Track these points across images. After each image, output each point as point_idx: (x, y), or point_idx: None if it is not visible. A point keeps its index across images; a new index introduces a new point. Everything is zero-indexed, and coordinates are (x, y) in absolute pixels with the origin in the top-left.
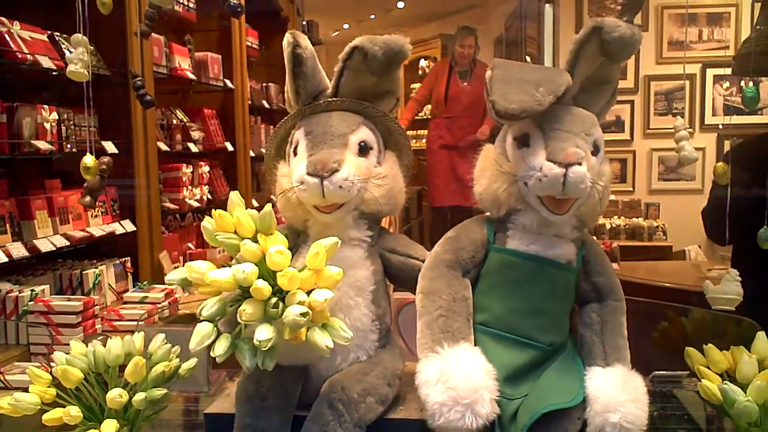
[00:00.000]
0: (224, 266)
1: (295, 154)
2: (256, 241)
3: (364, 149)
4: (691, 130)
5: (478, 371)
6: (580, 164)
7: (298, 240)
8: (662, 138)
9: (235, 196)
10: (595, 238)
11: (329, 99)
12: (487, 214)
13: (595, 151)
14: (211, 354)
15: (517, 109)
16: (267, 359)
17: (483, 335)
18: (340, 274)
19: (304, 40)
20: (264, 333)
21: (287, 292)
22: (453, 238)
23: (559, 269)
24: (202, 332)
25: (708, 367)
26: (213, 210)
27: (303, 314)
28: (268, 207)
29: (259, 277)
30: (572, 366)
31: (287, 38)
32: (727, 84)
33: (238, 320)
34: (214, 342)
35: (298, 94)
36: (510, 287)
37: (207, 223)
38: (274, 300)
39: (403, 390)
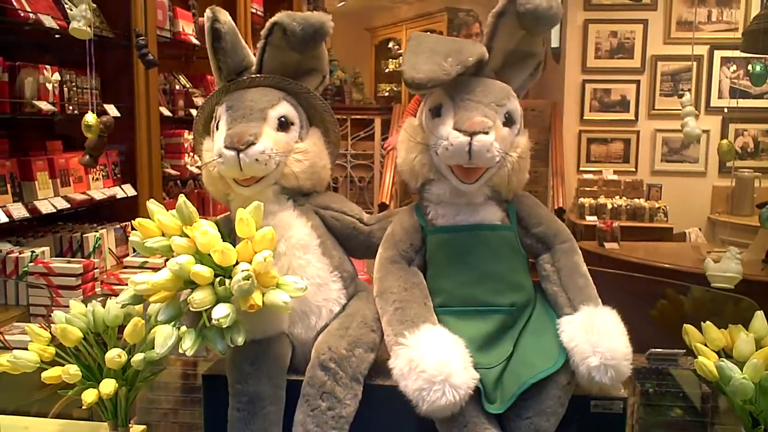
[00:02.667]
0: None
1: (217, 128)
2: (186, 235)
3: (284, 124)
4: (696, 113)
5: (444, 346)
6: (486, 133)
7: (233, 225)
8: (667, 119)
9: (152, 205)
10: (596, 217)
11: (252, 75)
12: (415, 203)
13: (508, 122)
14: (180, 351)
15: (423, 79)
16: (234, 335)
17: (445, 316)
18: (271, 232)
19: (224, 15)
20: (221, 310)
21: (231, 268)
22: (389, 234)
23: (492, 230)
24: (163, 335)
25: (705, 345)
26: (132, 222)
27: (246, 278)
28: (181, 199)
29: (198, 264)
30: (547, 323)
31: (207, 13)
32: (734, 67)
33: (191, 309)
34: (177, 341)
35: (219, 69)
36: (454, 262)
37: (134, 237)
38: (218, 279)
39: None
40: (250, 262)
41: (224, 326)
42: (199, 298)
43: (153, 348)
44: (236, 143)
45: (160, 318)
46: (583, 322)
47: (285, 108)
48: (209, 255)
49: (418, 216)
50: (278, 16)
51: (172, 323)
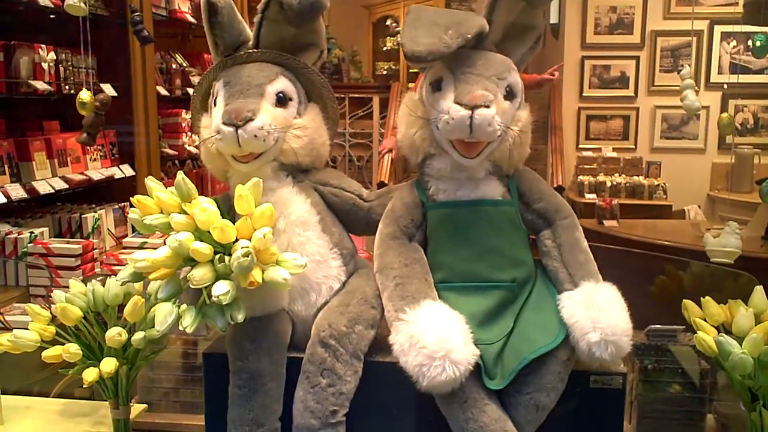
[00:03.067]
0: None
1: (215, 105)
2: (185, 212)
3: (282, 100)
4: (696, 88)
5: (444, 322)
6: (487, 107)
7: (230, 202)
8: (667, 95)
9: (150, 182)
10: (595, 195)
11: (250, 51)
12: (416, 179)
13: (509, 96)
14: (180, 328)
15: (423, 51)
16: (234, 312)
17: (445, 291)
18: (270, 208)
19: None
20: (221, 287)
21: (230, 245)
22: (390, 210)
23: (494, 206)
24: (163, 312)
25: (705, 320)
26: (131, 199)
27: (245, 255)
28: (179, 175)
29: (197, 242)
30: (548, 298)
31: None
32: (734, 42)
33: (191, 286)
34: (177, 318)
35: (216, 45)
36: (455, 238)
37: (133, 214)
38: (218, 257)
39: None
40: (250, 239)
41: (224, 303)
42: (199, 275)
43: (153, 327)
44: (234, 119)
45: (160, 295)
46: (583, 298)
47: (283, 83)
48: (208, 232)
49: (418, 191)
50: None
51: (172, 300)
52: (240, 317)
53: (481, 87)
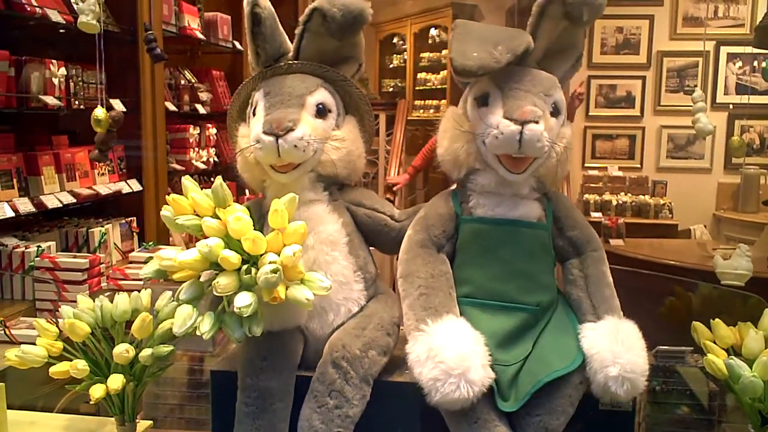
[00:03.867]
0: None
1: (254, 114)
2: (217, 217)
3: (321, 111)
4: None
5: (465, 340)
6: (536, 122)
7: (262, 211)
8: (673, 115)
9: (187, 181)
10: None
11: (290, 61)
12: (453, 187)
13: (555, 113)
14: (197, 333)
15: (474, 66)
16: (252, 325)
17: (469, 307)
18: (303, 226)
19: (264, 1)
20: (244, 299)
21: (258, 257)
22: (422, 217)
23: (529, 228)
24: (183, 315)
25: (714, 342)
26: (167, 197)
27: (273, 271)
28: (218, 181)
29: (226, 249)
30: (567, 325)
31: None
32: (740, 63)
33: (215, 294)
34: (197, 323)
35: (257, 55)
36: (486, 254)
37: (165, 211)
38: (245, 267)
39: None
40: (278, 254)
41: (245, 315)
42: (224, 283)
43: (161, 343)
44: (275, 129)
45: (183, 297)
46: (607, 332)
47: (323, 95)
48: (239, 241)
49: (454, 203)
50: (318, 2)
51: (193, 304)
52: (258, 331)
53: (530, 103)
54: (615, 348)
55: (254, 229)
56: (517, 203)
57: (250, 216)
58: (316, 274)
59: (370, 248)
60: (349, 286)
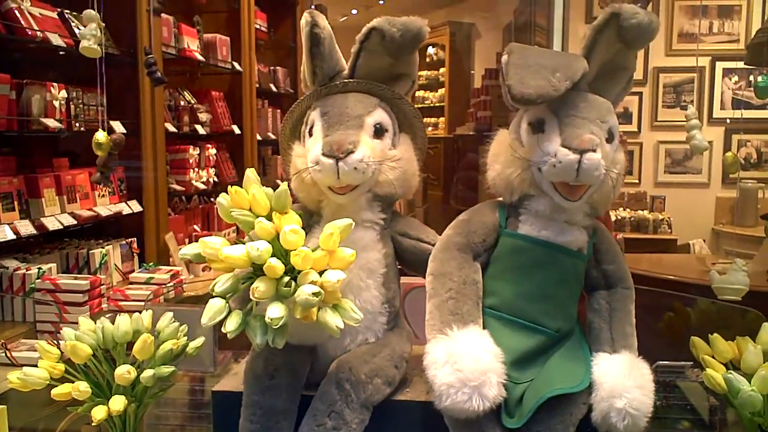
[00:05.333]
0: (238, 243)
1: (311, 134)
2: (271, 220)
3: (379, 131)
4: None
5: (487, 354)
6: (594, 151)
7: (311, 221)
8: (670, 130)
9: (251, 173)
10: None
11: (345, 80)
12: (500, 198)
13: (610, 139)
14: (223, 329)
15: (533, 94)
16: (277, 337)
17: (491, 319)
18: (353, 255)
19: (323, 20)
20: (276, 311)
21: (300, 271)
22: (465, 221)
23: (569, 256)
24: (214, 308)
25: (713, 357)
26: (229, 186)
27: (315, 294)
28: (284, 186)
29: (272, 256)
30: (579, 352)
31: (305, 17)
32: (736, 78)
33: (251, 297)
34: (225, 318)
35: (315, 74)
36: (520, 272)
37: (222, 199)
38: (286, 279)
39: (410, 372)
40: (320, 273)
41: (274, 327)
42: (263, 289)
43: (162, 364)
44: (335, 151)
45: (218, 290)
46: (621, 365)
47: (381, 115)
48: (285, 250)
49: (500, 214)
50: (377, 21)
51: (226, 299)
52: (281, 343)
53: (587, 131)
54: (626, 382)
55: None
56: (564, 230)
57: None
58: (350, 302)
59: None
60: (374, 317)
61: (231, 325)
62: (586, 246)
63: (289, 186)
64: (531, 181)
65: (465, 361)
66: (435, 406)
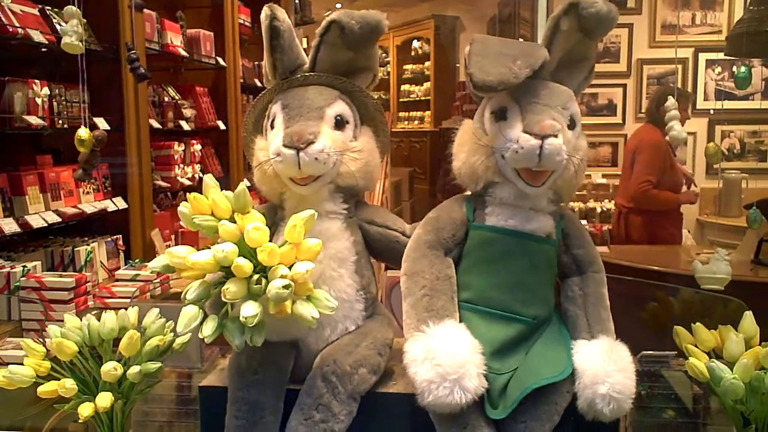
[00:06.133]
0: (204, 248)
1: (272, 127)
2: (234, 221)
3: (340, 123)
4: (688, 117)
5: (464, 347)
6: (556, 136)
7: (276, 218)
8: None
9: (209, 179)
10: (585, 221)
11: (306, 73)
12: (467, 192)
13: (572, 125)
14: (199, 336)
15: (494, 81)
16: (255, 335)
17: (468, 312)
18: (319, 245)
19: (282, 14)
20: (250, 309)
21: (269, 267)
22: (433, 218)
23: (538, 242)
24: (188, 315)
25: (696, 346)
26: (188, 194)
27: (285, 287)
28: (241, 185)
29: (239, 256)
30: (559, 339)
31: (264, 11)
32: (719, 69)
33: (223, 300)
34: (201, 324)
35: (275, 67)
36: (491, 263)
37: (183, 207)
38: (256, 277)
39: (397, 365)
40: (289, 267)
41: (250, 325)
42: (234, 290)
43: (148, 360)
44: (296, 142)
45: (189, 297)
46: (601, 350)
47: (341, 107)
48: (252, 249)
49: (467, 208)
50: (336, 15)
51: (199, 305)
52: (260, 341)
53: (549, 117)
54: (607, 367)
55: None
56: (530, 217)
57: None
58: (323, 292)
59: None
60: (351, 305)
61: (207, 330)
62: (554, 232)
63: (252, 186)
64: (495, 169)
65: (443, 355)
66: (419, 403)
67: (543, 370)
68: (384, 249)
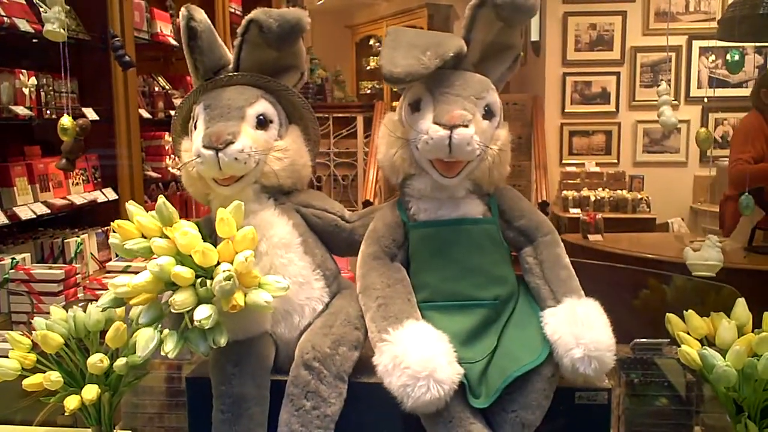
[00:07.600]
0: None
1: (196, 128)
2: (166, 236)
3: (262, 122)
4: (673, 101)
5: (428, 342)
6: (466, 126)
7: (212, 226)
8: (648, 110)
9: (131, 206)
10: (579, 210)
11: (230, 74)
12: (397, 198)
13: (488, 115)
14: (162, 353)
15: (402, 73)
16: (216, 336)
17: (428, 311)
18: (252, 231)
19: (200, 14)
20: (203, 312)
21: (212, 269)
22: (372, 230)
23: (474, 224)
24: (145, 338)
25: (688, 333)
26: (112, 224)
27: (227, 278)
28: (160, 200)
29: (180, 266)
30: (531, 316)
31: (182, 12)
32: (713, 57)
33: (172, 311)
34: (161, 343)
35: (196, 68)
36: (436, 257)
37: (114, 239)
38: (199, 281)
39: None
40: (232, 263)
41: (206, 327)
42: (181, 299)
43: (135, 352)
44: (214, 142)
45: (142, 320)
46: (566, 315)
47: (263, 106)
48: (190, 256)
49: (400, 211)
50: (254, 13)
51: (154, 326)
52: (222, 341)
53: (459, 107)
54: (575, 330)
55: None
56: (457, 203)
57: (200, 232)
58: (272, 276)
59: None
60: (310, 286)
61: (169, 346)
62: (488, 210)
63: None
64: (411, 161)
65: (409, 357)
66: (403, 409)
67: (522, 354)
68: (322, 232)
